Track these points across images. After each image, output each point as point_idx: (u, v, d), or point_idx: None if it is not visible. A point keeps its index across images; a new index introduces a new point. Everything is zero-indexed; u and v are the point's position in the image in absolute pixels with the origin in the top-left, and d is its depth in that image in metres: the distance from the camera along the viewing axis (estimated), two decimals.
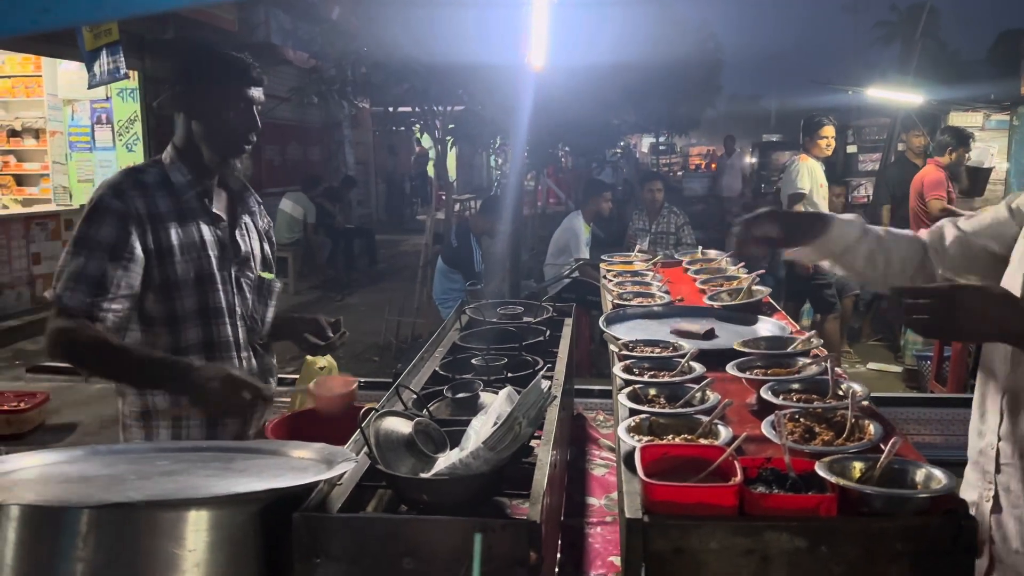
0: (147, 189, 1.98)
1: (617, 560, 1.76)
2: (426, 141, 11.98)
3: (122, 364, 1.88)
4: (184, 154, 2.03)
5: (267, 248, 2.25)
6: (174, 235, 1.97)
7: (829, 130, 6.13)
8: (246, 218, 2.18)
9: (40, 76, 9.65)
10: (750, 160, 19.00)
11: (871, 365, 6.63)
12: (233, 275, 2.09)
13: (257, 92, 2.04)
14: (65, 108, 10.00)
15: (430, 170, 13.20)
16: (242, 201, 2.17)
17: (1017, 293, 1.45)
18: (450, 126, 7.58)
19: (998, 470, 1.50)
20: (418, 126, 7.88)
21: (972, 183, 6.59)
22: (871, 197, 6.62)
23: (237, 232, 2.12)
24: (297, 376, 2.85)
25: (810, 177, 6.01)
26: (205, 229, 2.03)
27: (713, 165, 23.77)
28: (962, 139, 6.48)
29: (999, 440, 1.50)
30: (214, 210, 2.07)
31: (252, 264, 2.16)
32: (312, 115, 13.83)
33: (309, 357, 2.88)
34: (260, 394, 1.83)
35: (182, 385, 1.83)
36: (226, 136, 2.01)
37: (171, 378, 1.86)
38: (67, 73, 9.42)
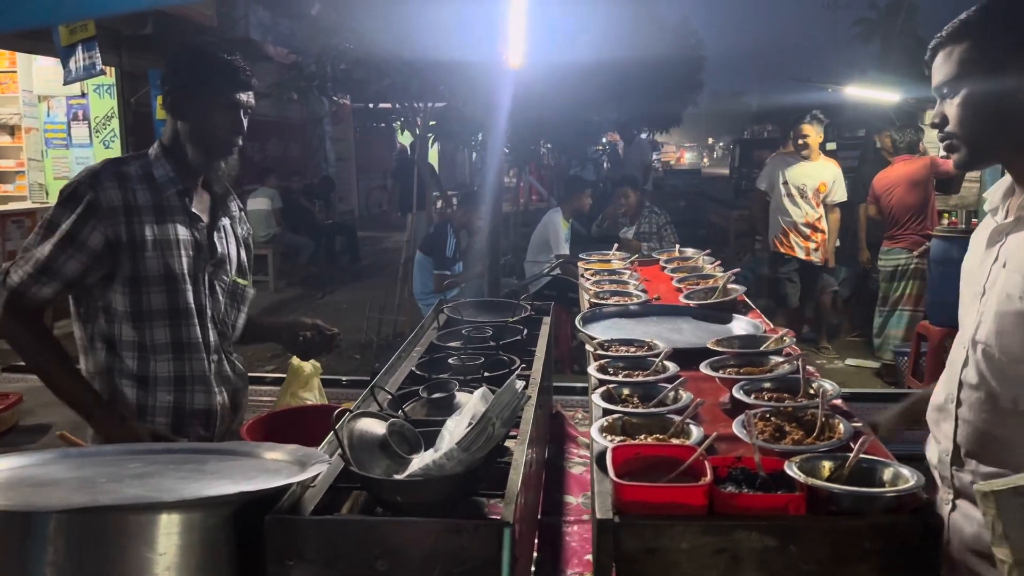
0: (127, 180, 1.98)
1: None
2: (405, 139, 11.89)
3: (44, 358, 1.96)
4: (170, 151, 2.04)
5: (243, 254, 2.25)
6: (148, 230, 1.97)
7: (801, 128, 6.49)
8: (225, 221, 2.17)
9: (15, 72, 9.51)
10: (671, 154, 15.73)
11: (849, 361, 6.68)
12: (207, 277, 2.09)
13: (245, 96, 2.04)
14: (41, 104, 9.86)
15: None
16: (224, 204, 2.17)
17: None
18: (431, 123, 7.55)
19: (953, 477, 1.50)
20: (399, 123, 7.83)
21: (948, 180, 6.61)
22: (848, 196, 6.61)
23: (215, 234, 2.11)
24: (281, 376, 2.83)
25: (768, 175, 6.72)
26: (182, 228, 2.03)
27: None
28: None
29: (954, 446, 1.50)
30: (194, 210, 2.06)
31: (228, 268, 2.16)
32: (292, 111, 13.72)
33: (295, 361, 2.86)
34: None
35: (85, 414, 1.95)
36: (211, 139, 2.02)
37: (80, 403, 1.95)
38: (43, 69, 9.29)
